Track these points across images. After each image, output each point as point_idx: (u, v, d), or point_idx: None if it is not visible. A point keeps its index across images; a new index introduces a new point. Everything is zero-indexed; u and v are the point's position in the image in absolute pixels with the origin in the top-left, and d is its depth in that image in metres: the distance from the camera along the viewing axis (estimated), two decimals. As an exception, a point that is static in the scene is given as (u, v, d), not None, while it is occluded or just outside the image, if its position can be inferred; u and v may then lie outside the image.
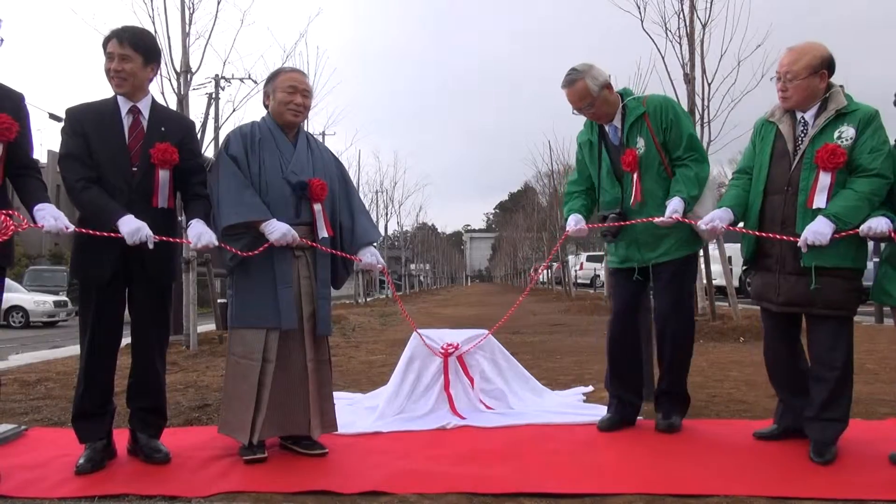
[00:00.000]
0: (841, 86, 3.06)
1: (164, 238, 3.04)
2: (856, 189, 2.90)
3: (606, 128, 3.62)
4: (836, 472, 2.87)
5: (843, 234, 2.88)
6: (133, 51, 3.09)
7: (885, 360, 5.69)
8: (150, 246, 2.96)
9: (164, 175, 3.12)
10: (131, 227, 2.92)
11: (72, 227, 2.90)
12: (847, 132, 2.94)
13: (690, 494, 2.63)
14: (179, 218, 3.41)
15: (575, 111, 3.57)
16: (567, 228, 3.69)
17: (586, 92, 3.46)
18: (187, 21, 7.71)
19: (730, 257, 9.55)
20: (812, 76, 3.00)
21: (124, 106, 3.12)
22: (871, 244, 3.02)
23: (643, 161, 3.49)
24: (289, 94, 3.28)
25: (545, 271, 25.47)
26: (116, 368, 3.20)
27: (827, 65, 3.02)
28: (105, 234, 2.93)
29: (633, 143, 3.50)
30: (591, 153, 3.69)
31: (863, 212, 2.89)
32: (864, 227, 2.86)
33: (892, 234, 2.82)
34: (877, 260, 3.09)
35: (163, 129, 3.15)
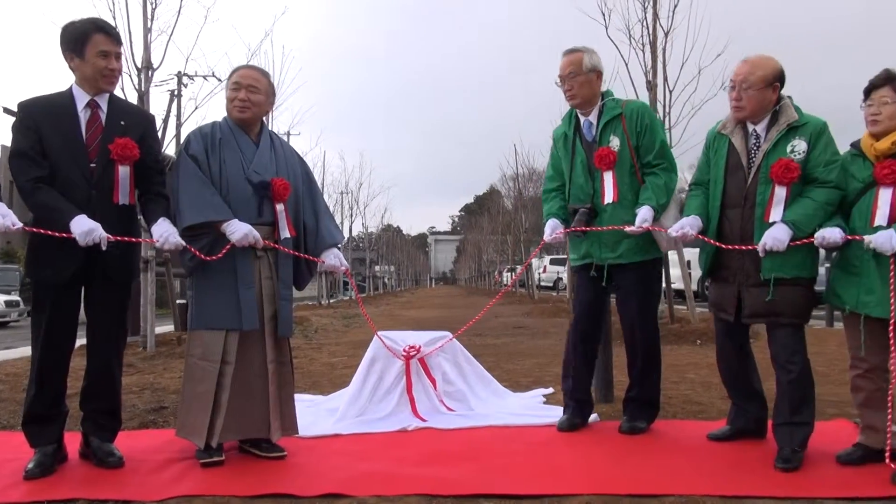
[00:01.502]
0: (789, 96, 3.15)
1: (119, 238, 2.96)
2: (814, 198, 2.99)
3: (581, 122, 3.69)
4: (787, 472, 2.94)
5: (799, 242, 2.97)
6: (120, 46, 3.05)
7: (833, 362, 5.86)
8: (104, 247, 2.89)
9: (124, 171, 3.04)
10: (84, 228, 2.83)
11: (19, 225, 2.82)
12: (799, 146, 3.03)
13: (647, 494, 2.68)
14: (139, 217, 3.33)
15: (558, 80, 3.65)
16: (545, 236, 3.73)
17: (578, 63, 3.56)
18: (149, 16, 7.58)
19: (689, 262, 9.75)
20: (766, 88, 3.07)
21: (81, 99, 3.03)
22: (821, 251, 3.11)
23: (616, 160, 3.55)
24: (233, 90, 3.24)
25: (509, 274, 25.62)
26: (70, 371, 3.12)
27: (779, 78, 3.10)
28: (57, 234, 2.85)
29: (607, 141, 3.57)
30: (566, 146, 3.73)
31: (819, 220, 2.99)
32: (818, 237, 2.95)
33: (845, 240, 2.91)
34: (828, 265, 3.19)
35: (122, 123, 3.08)
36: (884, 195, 2.88)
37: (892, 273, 2.80)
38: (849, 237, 2.92)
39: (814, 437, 3.13)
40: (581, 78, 3.57)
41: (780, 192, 3.03)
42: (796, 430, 3.07)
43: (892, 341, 2.80)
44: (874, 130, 2.93)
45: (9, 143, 3.00)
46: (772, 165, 3.03)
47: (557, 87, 3.68)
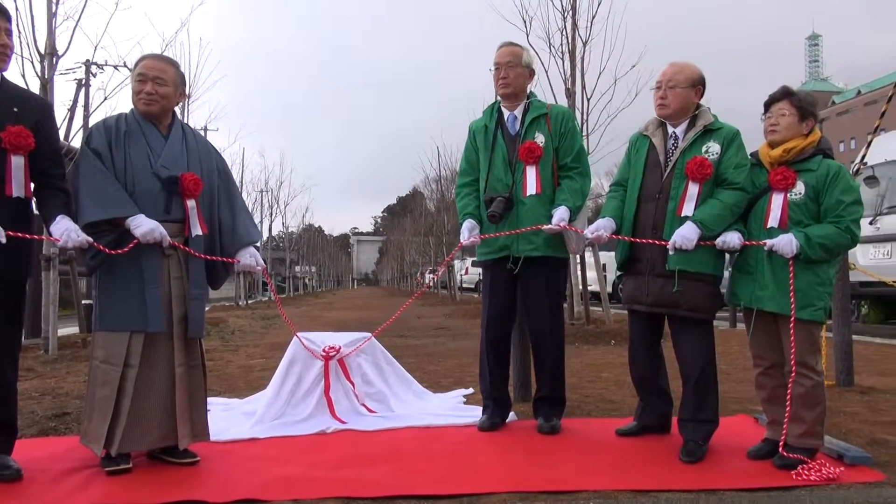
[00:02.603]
0: (708, 107, 3.36)
1: (17, 234, 2.77)
2: (721, 199, 3.17)
3: (505, 116, 3.75)
4: (692, 465, 3.08)
5: (705, 243, 3.14)
6: (8, 21, 2.84)
7: (735, 361, 6.19)
8: (3, 240, 2.70)
9: (17, 161, 2.83)
10: None
11: None
12: (713, 147, 3.22)
13: (562, 491, 2.74)
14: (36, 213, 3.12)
15: (493, 66, 3.73)
16: (461, 238, 3.74)
17: (518, 56, 3.70)
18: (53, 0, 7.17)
19: (604, 264, 10.07)
20: (690, 88, 3.29)
21: None
22: (727, 254, 3.30)
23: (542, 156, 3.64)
24: (139, 82, 3.10)
25: (431, 275, 25.73)
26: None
27: (702, 82, 3.33)
28: None
29: (532, 137, 3.65)
30: (486, 138, 3.77)
31: (726, 220, 3.16)
32: (718, 241, 3.14)
33: (744, 245, 3.11)
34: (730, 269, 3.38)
35: (15, 109, 2.86)
36: (776, 199, 3.11)
37: (791, 275, 3.00)
38: (747, 242, 3.12)
39: (718, 431, 3.30)
40: (518, 70, 3.69)
41: (693, 189, 3.21)
42: (701, 425, 3.25)
43: (792, 339, 2.99)
44: (773, 139, 3.16)
45: None
46: (687, 162, 3.21)
47: (490, 73, 3.74)
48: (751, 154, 3.29)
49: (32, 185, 2.96)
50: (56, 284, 7.16)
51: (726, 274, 3.34)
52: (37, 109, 2.99)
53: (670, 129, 3.36)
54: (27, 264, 3.03)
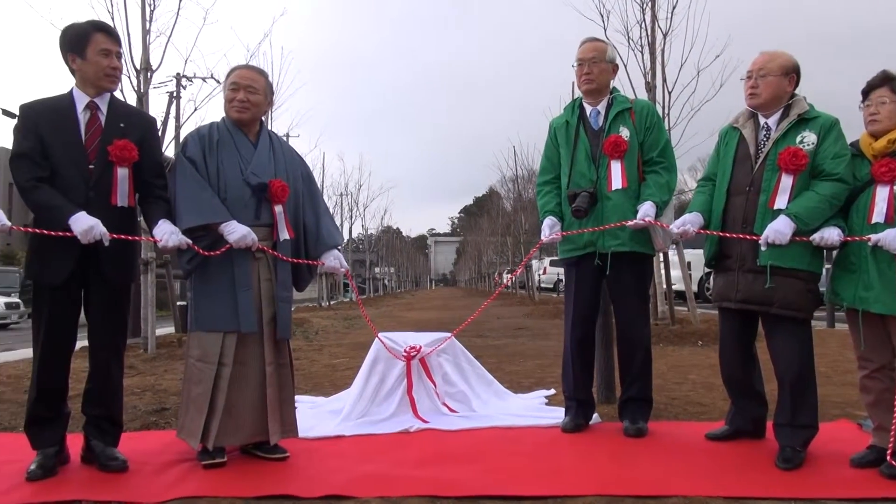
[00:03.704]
0: (803, 97, 3.18)
1: (120, 236, 2.96)
2: (818, 191, 2.99)
3: (588, 111, 3.71)
4: (790, 472, 2.94)
5: (800, 238, 2.97)
6: (119, 45, 3.09)
7: (835, 362, 5.86)
8: (106, 243, 2.89)
9: (122, 173, 3.03)
10: (84, 226, 2.83)
11: (8, 224, 2.83)
12: (809, 137, 3.05)
13: (649, 495, 2.67)
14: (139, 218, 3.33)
15: (577, 62, 3.69)
16: (542, 236, 3.72)
17: (602, 51, 3.66)
18: (147, 18, 7.59)
19: (689, 262, 9.74)
20: (783, 76, 3.13)
21: (81, 101, 3.03)
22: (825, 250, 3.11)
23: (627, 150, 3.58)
24: (232, 91, 3.25)
25: (508, 275, 25.67)
26: (71, 372, 3.11)
27: (795, 70, 3.16)
28: (55, 233, 2.85)
29: (616, 131, 3.59)
30: (568, 134, 3.73)
31: (823, 214, 2.98)
32: (815, 237, 2.97)
33: (844, 240, 2.93)
34: (828, 266, 3.20)
35: (122, 125, 3.08)
36: (881, 193, 2.91)
37: None
38: (847, 238, 2.94)
39: (817, 437, 3.13)
40: (602, 65, 3.64)
41: (787, 181, 3.04)
42: (798, 430, 3.08)
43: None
44: (873, 129, 2.96)
45: (9, 146, 3.00)
46: (780, 153, 3.06)
47: (572, 69, 3.72)
48: (850, 144, 3.09)
49: (137, 195, 3.16)
50: (153, 287, 7.56)
51: (823, 271, 3.16)
52: (141, 125, 3.20)
53: (762, 120, 3.21)
54: (132, 269, 3.24)
